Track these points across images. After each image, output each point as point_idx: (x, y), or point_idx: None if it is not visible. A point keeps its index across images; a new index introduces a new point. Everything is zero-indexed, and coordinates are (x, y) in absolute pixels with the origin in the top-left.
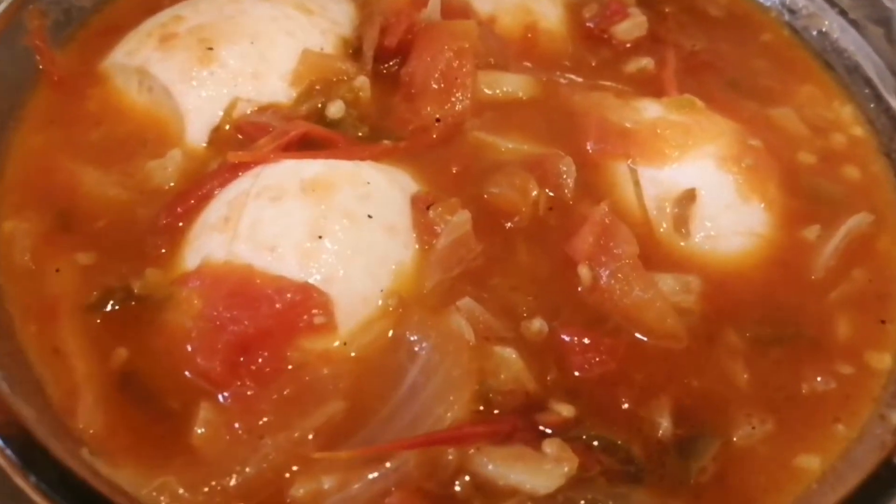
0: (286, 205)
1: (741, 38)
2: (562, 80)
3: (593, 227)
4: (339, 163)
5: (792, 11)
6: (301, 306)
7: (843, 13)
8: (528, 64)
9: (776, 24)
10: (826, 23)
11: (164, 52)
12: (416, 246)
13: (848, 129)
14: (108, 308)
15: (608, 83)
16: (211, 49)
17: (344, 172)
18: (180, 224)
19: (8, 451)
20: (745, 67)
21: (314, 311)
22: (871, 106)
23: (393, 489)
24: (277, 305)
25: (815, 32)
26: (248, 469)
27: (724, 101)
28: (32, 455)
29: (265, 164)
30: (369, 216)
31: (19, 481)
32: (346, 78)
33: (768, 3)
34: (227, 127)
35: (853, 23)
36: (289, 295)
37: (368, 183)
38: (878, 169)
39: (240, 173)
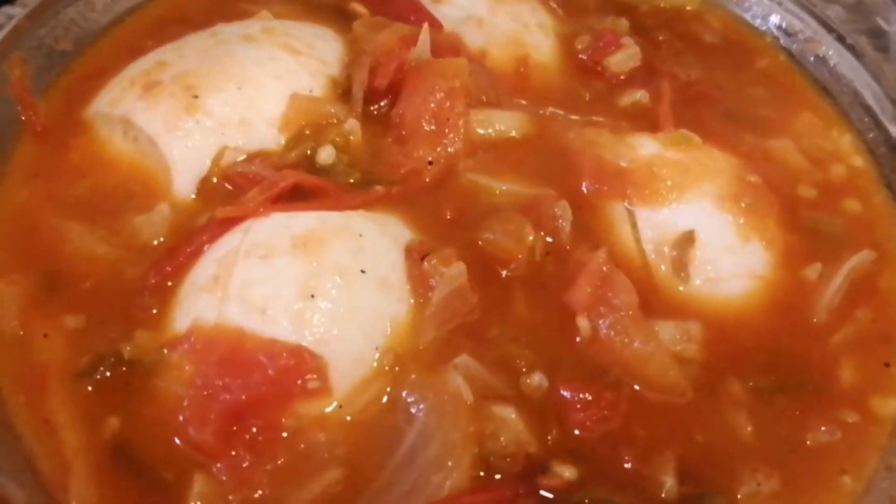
0: (277, 263)
1: (737, 66)
2: (556, 117)
3: (591, 277)
4: (329, 215)
5: (788, 35)
6: (295, 371)
7: (840, 38)
8: (522, 101)
9: (772, 49)
10: (823, 48)
11: (148, 101)
12: (412, 300)
13: (847, 160)
14: (99, 375)
15: (602, 118)
16: (196, 97)
17: (335, 226)
18: (169, 283)
19: None
20: (741, 97)
21: (308, 375)
22: (871, 135)
23: None
24: (270, 372)
25: (811, 58)
26: None
27: (721, 134)
28: None
29: (255, 219)
30: (362, 271)
31: None
32: (335, 121)
33: (763, 28)
34: (216, 179)
35: (850, 48)
36: (282, 360)
37: (360, 235)
38: (879, 201)
39: (229, 228)
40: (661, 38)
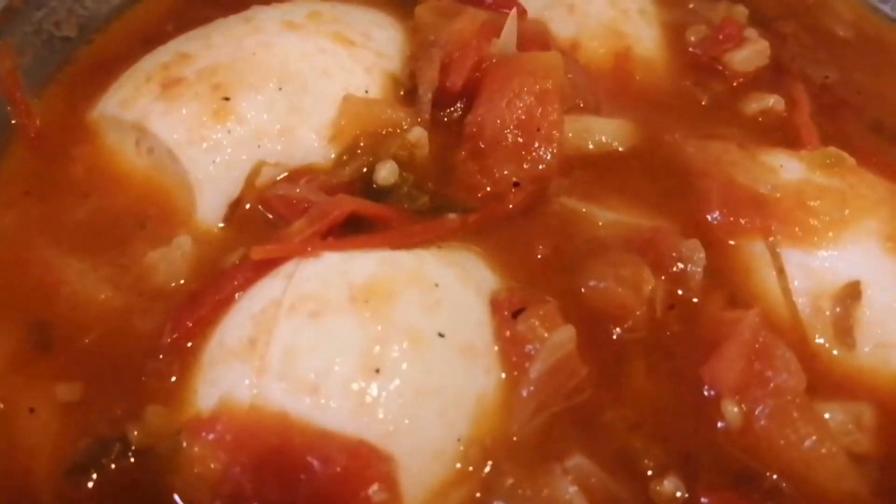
0: (331, 323)
1: (876, 65)
2: (669, 126)
3: (742, 348)
4: (396, 257)
5: None
6: (357, 479)
7: None
8: (625, 106)
9: None
10: None
11: (168, 103)
12: (502, 373)
13: None
14: (97, 473)
15: (726, 129)
16: (227, 99)
17: (405, 273)
18: (189, 343)
19: None
20: (887, 104)
21: (373, 486)
22: None
23: None
24: (322, 478)
25: None
26: None
27: (870, 150)
28: None
29: (301, 259)
30: (440, 335)
31: None
32: (398, 130)
33: None
34: (250, 204)
35: None
36: (339, 462)
37: (437, 285)
38: None
39: (268, 270)
40: (786, 30)
